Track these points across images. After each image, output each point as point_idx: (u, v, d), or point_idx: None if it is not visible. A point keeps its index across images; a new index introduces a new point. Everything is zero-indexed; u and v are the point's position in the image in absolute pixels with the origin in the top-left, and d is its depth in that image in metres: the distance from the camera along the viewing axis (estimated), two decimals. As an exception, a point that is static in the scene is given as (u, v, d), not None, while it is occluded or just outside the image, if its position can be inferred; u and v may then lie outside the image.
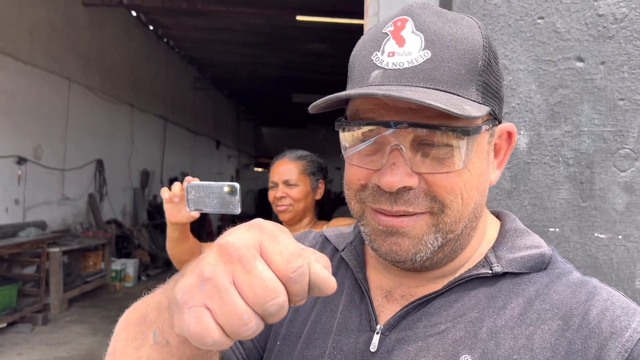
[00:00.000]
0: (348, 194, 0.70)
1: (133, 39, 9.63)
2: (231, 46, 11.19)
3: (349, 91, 0.63)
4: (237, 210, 1.34)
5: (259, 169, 22.94)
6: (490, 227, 0.74)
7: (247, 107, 19.75)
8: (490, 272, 0.67)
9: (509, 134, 0.72)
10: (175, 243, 1.63)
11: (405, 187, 0.62)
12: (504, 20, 1.25)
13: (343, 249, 0.79)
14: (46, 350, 4.87)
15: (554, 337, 0.62)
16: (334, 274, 0.79)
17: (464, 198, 0.64)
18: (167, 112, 11.43)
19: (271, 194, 1.88)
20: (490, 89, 0.65)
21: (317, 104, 0.68)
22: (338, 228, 0.87)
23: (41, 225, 6.30)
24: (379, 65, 0.64)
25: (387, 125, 0.62)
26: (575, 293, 0.66)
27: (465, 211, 0.65)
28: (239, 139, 19.80)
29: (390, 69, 0.62)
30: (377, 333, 0.68)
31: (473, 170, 0.65)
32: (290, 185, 1.84)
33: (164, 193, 1.46)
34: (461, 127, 0.61)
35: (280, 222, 1.89)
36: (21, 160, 6.29)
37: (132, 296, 3.82)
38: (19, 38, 6.25)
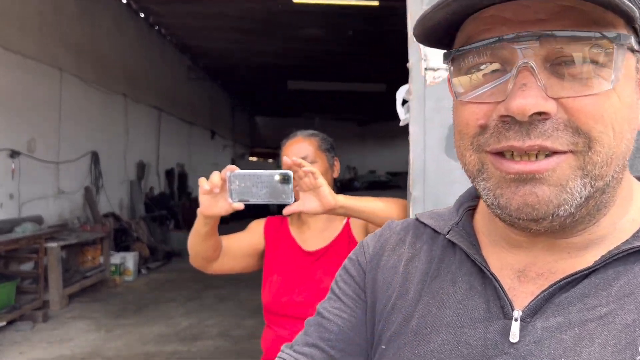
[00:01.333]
0: (461, 145, 0.56)
1: (124, 27, 9.38)
2: (225, 33, 10.94)
3: None
4: (291, 200, 1.23)
5: (254, 159, 22.73)
6: (637, 190, 0.59)
7: (242, 97, 19.49)
8: None
9: None
10: (202, 238, 1.46)
11: (540, 113, 0.48)
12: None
13: (448, 232, 0.64)
14: (48, 348, 4.71)
15: None
16: (440, 260, 0.64)
17: (616, 130, 0.50)
18: (161, 103, 11.20)
19: None
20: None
21: (428, 16, 0.53)
22: (432, 210, 0.73)
23: (38, 220, 6.11)
24: None
25: (514, 39, 0.48)
26: None
27: (617, 149, 0.51)
28: (233, 129, 19.57)
29: None
30: (516, 320, 0.54)
31: (623, 96, 0.50)
32: (309, 162, 1.67)
33: (203, 183, 1.28)
34: (608, 37, 0.47)
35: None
36: (14, 154, 6.08)
37: (133, 290, 3.64)
38: (8, 28, 6.01)
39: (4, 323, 5.05)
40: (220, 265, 1.59)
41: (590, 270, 0.53)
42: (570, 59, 0.48)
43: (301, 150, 1.65)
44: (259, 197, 1.23)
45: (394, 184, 12.93)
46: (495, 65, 0.51)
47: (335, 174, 1.72)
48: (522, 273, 0.57)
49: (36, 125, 6.56)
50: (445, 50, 0.57)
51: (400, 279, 0.66)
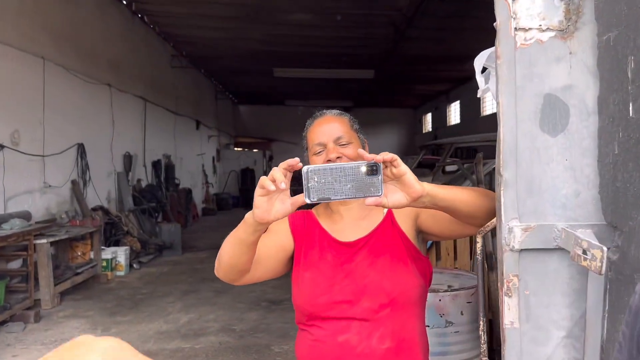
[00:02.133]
0: None
1: (107, 15, 9.03)
2: (209, 20, 10.63)
3: None
4: (380, 193, 1.07)
5: (239, 149, 22.42)
6: None
7: (225, 86, 19.15)
8: None
9: None
10: (248, 248, 1.24)
11: None
12: None
13: None
14: (43, 349, 4.48)
15: None
16: None
17: None
18: (146, 93, 10.87)
19: (318, 160, 1.43)
20: None
21: None
22: None
23: (25, 216, 5.83)
24: None
25: None
26: None
27: None
28: (218, 118, 19.23)
29: None
30: None
31: None
32: (344, 144, 1.44)
33: (267, 184, 1.08)
34: None
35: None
36: (-2, 147, 5.78)
37: (126, 285, 3.36)
38: (-14, 12, 5.68)
39: (-6, 325, 4.80)
40: (252, 275, 1.38)
41: None
42: None
43: (334, 130, 1.45)
44: (342, 193, 1.06)
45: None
46: None
47: None
48: None
49: (19, 117, 6.25)
50: None
51: None
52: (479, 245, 1.29)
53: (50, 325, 5.14)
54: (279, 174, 1.07)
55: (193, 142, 15.33)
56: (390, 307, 1.36)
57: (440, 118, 21.69)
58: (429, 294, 2.42)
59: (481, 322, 1.31)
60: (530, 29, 1.11)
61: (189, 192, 13.37)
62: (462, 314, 2.35)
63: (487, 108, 16.78)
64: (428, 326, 2.39)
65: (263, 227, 1.18)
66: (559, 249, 1.12)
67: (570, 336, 1.14)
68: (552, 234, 1.11)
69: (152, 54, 11.42)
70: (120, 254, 7.43)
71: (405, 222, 1.47)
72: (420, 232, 1.48)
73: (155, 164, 11.57)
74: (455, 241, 3.37)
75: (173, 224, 9.77)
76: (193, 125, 15.26)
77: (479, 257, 1.29)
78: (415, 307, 1.42)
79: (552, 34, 1.12)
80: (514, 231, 1.11)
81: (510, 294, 1.13)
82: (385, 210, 1.48)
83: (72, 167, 7.56)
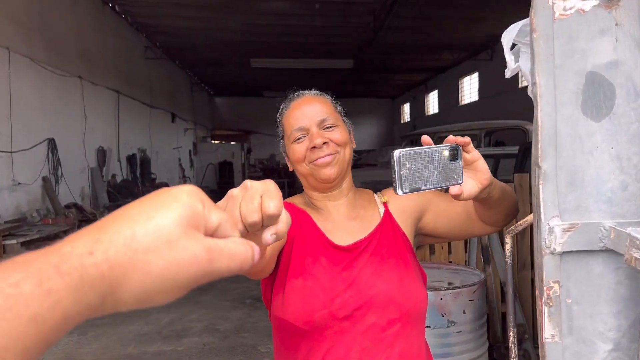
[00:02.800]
0: None
1: (76, 4, 8.68)
2: (183, 10, 10.33)
3: None
4: (462, 180, 0.93)
5: (216, 142, 22.07)
6: None
7: (201, 77, 18.79)
8: None
9: None
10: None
11: None
12: None
13: None
14: None
15: None
16: None
17: None
18: (119, 85, 10.54)
19: (300, 148, 1.21)
20: None
21: None
22: None
23: (-7, 216, 5.55)
24: None
25: None
26: None
27: None
28: (194, 110, 18.88)
29: None
30: None
31: None
32: (329, 126, 1.21)
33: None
34: None
35: (287, 190, 1.26)
36: (-38, 143, 5.47)
37: None
38: (-55, 0, 5.35)
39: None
40: (263, 271, 1.13)
41: None
42: None
43: (316, 112, 1.22)
44: (430, 183, 0.91)
45: (363, 162, 12.58)
46: None
47: (354, 145, 1.31)
48: None
49: (-16, 111, 5.94)
50: None
51: None
52: (508, 247, 1.14)
53: (23, 330, 4.89)
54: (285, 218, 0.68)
55: (169, 136, 15.00)
56: (400, 322, 1.15)
57: (418, 108, 21.67)
58: (430, 292, 2.28)
59: (511, 334, 1.16)
60: (570, -3, 0.96)
61: (165, 186, 13.06)
62: (464, 312, 2.22)
63: (466, 97, 16.78)
64: (429, 327, 2.26)
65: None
66: (605, 250, 0.97)
67: (618, 349, 1.00)
68: (598, 234, 0.97)
69: (124, 45, 11.07)
70: (96, 253, 7.15)
71: (405, 222, 1.26)
72: (418, 235, 1.30)
73: (130, 159, 11.26)
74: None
75: (150, 220, 9.49)
76: (169, 118, 14.92)
77: (509, 261, 1.14)
78: (421, 323, 1.23)
79: (596, 2, 0.97)
80: (554, 231, 0.96)
81: (550, 304, 0.98)
82: (382, 209, 1.27)
83: (42, 163, 7.25)
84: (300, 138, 1.21)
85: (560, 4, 0.96)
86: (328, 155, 1.19)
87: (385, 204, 1.27)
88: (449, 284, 2.37)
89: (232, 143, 21.59)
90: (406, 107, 23.88)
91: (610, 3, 0.96)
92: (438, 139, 9.53)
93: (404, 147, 0.95)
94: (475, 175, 0.98)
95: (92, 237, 0.37)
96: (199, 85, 19.63)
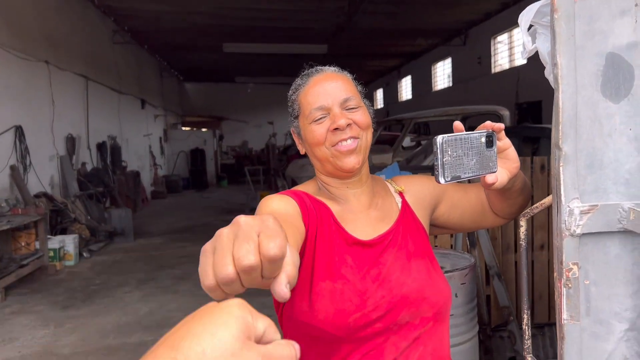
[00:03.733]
0: None
1: (41, -15, 8.36)
2: (153, -8, 10.07)
3: None
4: (496, 168, 0.93)
5: (187, 129, 21.73)
6: None
7: (170, 63, 18.41)
8: None
9: None
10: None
11: None
12: None
13: None
14: (-10, 351, 4.12)
15: None
16: None
17: None
18: (87, 70, 10.23)
19: (320, 130, 1.11)
20: None
21: None
22: None
23: (-39, 206, 5.34)
24: None
25: None
26: None
27: None
28: (164, 97, 18.52)
29: None
30: None
31: None
32: (352, 107, 1.12)
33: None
34: None
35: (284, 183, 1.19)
36: None
37: (77, 276, 2.95)
38: None
39: None
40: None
41: None
42: None
43: (339, 90, 1.12)
44: (469, 171, 0.89)
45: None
46: None
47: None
48: None
49: (-52, 97, 5.69)
50: None
51: None
52: (522, 230, 1.14)
53: (-5, 323, 4.75)
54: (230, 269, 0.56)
55: (139, 123, 14.70)
56: (433, 320, 1.11)
57: (391, 94, 21.74)
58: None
59: (525, 316, 1.16)
60: (590, -24, 0.95)
61: (137, 175, 12.81)
62: (456, 296, 2.24)
63: (439, 83, 16.89)
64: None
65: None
66: (622, 231, 0.98)
67: (633, 328, 1.01)
68: (616, 215, 0.97)
69: (92, 29, 10.74)
70: (69, 243, 6.99)
71: (420, 213, 1.22)
72: (431, 226, 1.26)
73: (101, 146, 10.99)
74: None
75: (123, 209, 9.31)
76: (138, 104, 14.61)
77: (523, 244, 1.14)
78: (448, 320, 1.20)
79: (615, -17, 0.96)
80: (574, 213, 0.96)
81: (569, 285, 0.98)
82: (399, 199, 1.22)
83: (9, 151, 7.00)
84: (321, 118, 1.12)
85: (580, -17, 0.95)
86: (351, 138, 1.10)
87: (401, 194, 1.24)
88: (441, 267, 2.39)
89: (204, 130, 21.29)
90: (379, 93, 23.93)
91: (630, -17, 0.95)
92: (416, 125, 9.50)
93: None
94: (505, 163, 0.96)
95: (169, 356, 0.42)
96: (169, 70, 19.25)
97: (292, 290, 1.02)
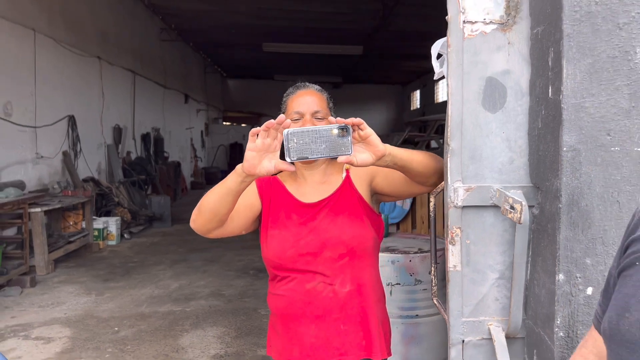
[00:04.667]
0: None
1: (96, -14, 9.05)
2: (198, -7, 10.65)
3: None
4: (350, 152, 1.23)
5: (228, 123, 22.47)
6: None
7: (214, 59, 19.11)
8: None
9: None
10: (233, 196, 1.41)
11: None
12: None
13: None
14: (40, 312, 4.71)
15: None
16: None
17: None
18: (135, 65, 10.93)
19: (294, 127, 1.51)
20: None
21: None
22: None
23: (20, 186, 5.99)
24: None
25: None
26: None
27: None
28: (206, 92, 19.25)
29: None
30: None
31: None
32: (319, 118, 1.58)
33: (255, 137, 1.26)
34: None
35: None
36: (-9, 118, 5.91)
37: (118, 254, 3.67)
38: (-23, -16, 5.75)
39: (-8, 288, 5.00)
40: (225, 229, 1.55)
41: None
42: None
43: (313, 103, 1.60)
44: (318, 153, 1.22)
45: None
46: None
47: None
48: None
49: (11, 89, 6.35)
50: None
51: None
52: (432, 204, 1.52)
53: (46, 290, 5.36)
54: (266, 125, 1.25)
55: (182, 116, 15.41)
56: (348, 256, 1.56)
57: (428, 95, 21.86)
58: (401, 255, 2.67)
59: (432, 268, 1.55)
60: (476, 22, 1.33)
61: (177, 165, 13.52)
62: (429, 273, 2.60)
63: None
64: (399, 284, 2.66)
65: (250, 179, 1.35)
66: (494, 206, 1.35)
67: (502, 277, 1.38)
68: (489, 194, 1.35)
69: (141, 27, 11.43)
70: (112, 224, 7.62)
71: (361, 185, 1.64)
72: (374, 194, 1.67)
73: (145, 137, 11.69)
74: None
75: (162, 196, 9.95)
76: (182, 98, 15.32)
77: (432, 214, 1.52)
78: (369, 257, 1.62)
79: (494, 26, 1.34)
80: (457, 191, 1.34)
81: (454, 243, 1.37)
82: (344, 174, 1.65)
83: (63, 138, 7.69)
84: (297, 120, 1.59)
85: (468, 27, 1.33)
86: None
87: (347, 171, 1.65)
88: (419, 249, 2.76)
89: (243, 125, 21.98)
90: (417, 94, 24.04)
91: (505, 27, 1.33)
92: (439, 126, 9.67)
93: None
94: (369, 148, 1.29)
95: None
96: (212, 67, 19.97)
97: (260, 239, 1.61)
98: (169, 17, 12.66)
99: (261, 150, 1.27)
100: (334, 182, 1.64)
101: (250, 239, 6.57)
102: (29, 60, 6.73)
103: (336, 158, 1.24)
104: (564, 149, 1.16)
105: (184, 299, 5.06)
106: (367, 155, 1.28)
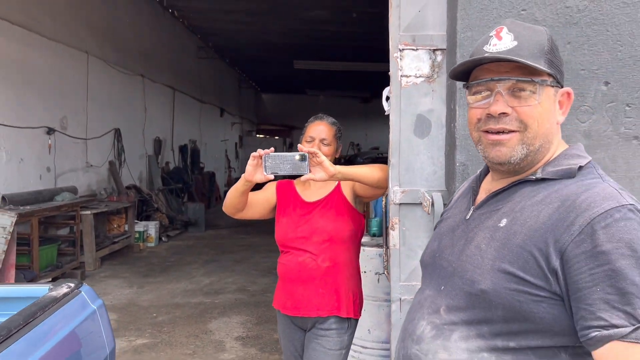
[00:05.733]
0: (470, 127, 1.16)
1: (140, 11, 9.92)
2: (234, 15, 11.44)
3: (474, 58, 1.10)
4: (307, 172, 1.78)
5: (261, 136, 23.30)
6: (557, 152, 1.14)
7: (248, 74, 19.98)
8: (533, 177, 1.10)
9: (568, 94, 1.14)
10: (240, 194, 2.06)
11: (503, 113, 1.07)
12: (497, 12, 1.71)
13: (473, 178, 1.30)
14: (90, 300, 5.42)
15: (553, 210, 1.01)
16: (468, 189, 1.28)
17: (539, 122, 1.07)
18: (175, 82, 11.78)
19: (306, 146, 2.17)
20: (553, 64, 1.08)
21: (454, 69, 1.16)
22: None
23: (73, 190, 6.78)
24: (487, 50, 1.09)
25: (494, 80, 1.08)
26: (579, 188, 1.01)
27: (540, 131, 1.07)
28: (241, 106, 20.12)
29: (494, 52, 1.08)
30: (471, 210, 1.18)
31: (543, 107, 1.07)
32: (325, 144, 2.22)
33: (253, 156, 1.86)
34: (536, 79, 1.06)
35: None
36: (50, 131, 6.73)
37: (156, 255, 4.70)
38: (41, 15, 6.60)
39: (49, 280, 5.75)
40: (245, 213, 2.23)
41: (504, 189, 1.14)
42: (521, 88, 1.07)
43: (324, 132, 2.23)
44: (285, 171, 1.80)
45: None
46: (486, 91, 1.11)
47: (338, 155, 2.33)
48: (487, 190, 1.20)
49: (67, 105, 7.19)
50: (464, 82, 1.17)
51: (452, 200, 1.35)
52: (384, 203, 2.10)
53: (94, 283, 6.10)
54: (257, 153, 1.87)
55: (217, 129, 16.26)
56: (329, 241, 2.16)
57: (456, 109, 22.14)
58: (380, 249, 3.23)
59: (384, 249, 2.12)
60: (410, 76, 1.91)
61: (212, 175, 14.33)
62: (384, 253, 3.15)
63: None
64: (378, 273, 3.22)
65: (249, 184, 1.97)
66: (421, 203, 1.92)
67: (428, 255, 1.95)
68: (418, 195, 1.92)
69: (180, 46, 12.30)
70: (151, 228, 8.38)
71: (347, 191, 2.24)
72: (357, 197, 2.27)
73: (182, 149, 12.52)
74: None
75: (198, 203, 10.70)
76: (217, 112, 16.17)
77: (384, 210, 2.10)
78: (345, 243, 2.20)
79: (423, 79, 1.92)
80: (396, 193, 1.93)
81: (394, 229, 1.95)
82: (336, 182, 2.26)
83: (109, 149, 8.51)
84: (309, 141, 2.23)
85: (404, 79, 1.92)
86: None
87: (339, 181, 2.26)
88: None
89: (276, 137, 22.79)
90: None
91: (430, 79, 1.91)
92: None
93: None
94: (323, 169, 1.85)
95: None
96: (247, 82, 20.86)
97: (275, 224, 2.25)
98: (207, 36, 13.53)
99: (256, 166, 1.88)
100: (329, 188, 2.26)
101: (275, 244, 7.20)
102: (82, 80, 7.57)
103: (300, 175, 1.83)
104: (457, 164, 1.73)
105: (213, 292, 5.71)
106: (323, 174, 1.86)
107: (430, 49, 1.90)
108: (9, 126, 5.96)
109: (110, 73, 8.48)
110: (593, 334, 0.90)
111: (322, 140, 2.23)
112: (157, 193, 9.75)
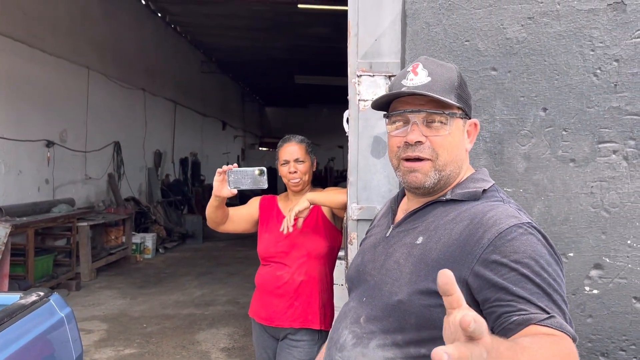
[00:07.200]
0: (390, 155, 1.29)
1: (143, 26, 10.14)
2: (236, 31, 11.67)
3: (393, 92, 1.23)
4: (265, 186, 1.92)
5: (264, 149, 23.47)
6: (465, 176, 1.28)
7: (252, 88, 20.21)
8: (444, 198, 1.24)
9: (475, 124, 1.29)
10: (214, 209, 2.19)
11: (419, 141, 1.19)
12: (442, 43, 1.83)
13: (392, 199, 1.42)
14: (83, 310, 5.53)
15: (463, 227, 1.13)
16: (388, 210, 1.39)
17: (449, 151, 1.20)
18: (176, 96, 11.97)
19: (284, 170, 2.37)
20: (462, 98, 1.22)
21: (376, 101, 1.30)
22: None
23: (70, 202, 6.92)
24: (405, 84, 1.22)
25: (409, 111, 1.20)
26: (484, 208, 1.14)
27: (449, 159, 1.21)
28: (244, 119, 20.32)
29: (411, 86, 1.21)
30: (391, 228, 1.30)
31: (453, 137, 1.21)
32: (300, 162, 2.35)
33: (218, 172, 1.99)
34: (446, 113, 1.19)
35: (285, 191, 2.50)
36: (49, 144, 6.89)
37: (152, 266, 4.88)
38: (43, 32, 6.80)
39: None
40: (227, 227, 2.35)
41: (419, 209, 1.27)
42: (432, 120, 1.20)
43: (295, 152, 2.36)
44: (246, 185, 1.94)
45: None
46: (404, 122, 1.23)
47: (314, 168, 2.45)
48: (404, 210, 1.32)
49: (67, 118, 7.36)
50: (385, 112, 1.30)
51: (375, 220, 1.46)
52: (345, 218, 2.21)
53: (88, 293, 6.21)
54: (221, 169, 2.00)
55: (219, 142, 16.44)
56: (306, 257, 2.29)
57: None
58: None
59: (345, 261, 2.23)
60: (367, 100, 2.03)
61: (212, 188, 14.45)
62: (343, 265, 3.25)
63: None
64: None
65: (219, 199, 2.09)
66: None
67: (384, 269, 2.06)
68: (374, 211, 2.03)
69: (182, 60, 12.52)
70: (148, 240, 8.50)
71: (325, 208, 2.38)
72: (334, 214, 2.40)
73: (183, 161, 12.68)
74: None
75: (196, 216, 10.83)
76: (219, 125, 16.37)
77: (346, 224, 2.22)
78: (321, 259, 2.32)
79: (379, 103, 2.03)
80: (354, 209, 2.04)
81: (352, 243, 2.05)
82: None
83: (109, 162, 8.67)
84: (284, 164, 2.38)
85: (362, 103, 2.04)
86: (297, 178, 2.37)
87: None
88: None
89: (278, 150, 22.90)
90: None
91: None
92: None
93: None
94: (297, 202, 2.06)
95: None
96: (251, 95, 21.09)
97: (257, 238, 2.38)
98: (210, 51, 13.76)
99: (222, 181, 2.00)
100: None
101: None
102: (82, 94, 7.75)
103: (261, 189, 1.96)
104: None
105: (204, 304, 5.81)
106: (303, 200, 2.06)
107: (385, 75, 2.02)
108: (9, 139, 6.12)
109: (111, 87, 8.67)
110: (514, 318, 0.99)
111: (296, 160, 2.37)
112: (155, 205, 9.88)
